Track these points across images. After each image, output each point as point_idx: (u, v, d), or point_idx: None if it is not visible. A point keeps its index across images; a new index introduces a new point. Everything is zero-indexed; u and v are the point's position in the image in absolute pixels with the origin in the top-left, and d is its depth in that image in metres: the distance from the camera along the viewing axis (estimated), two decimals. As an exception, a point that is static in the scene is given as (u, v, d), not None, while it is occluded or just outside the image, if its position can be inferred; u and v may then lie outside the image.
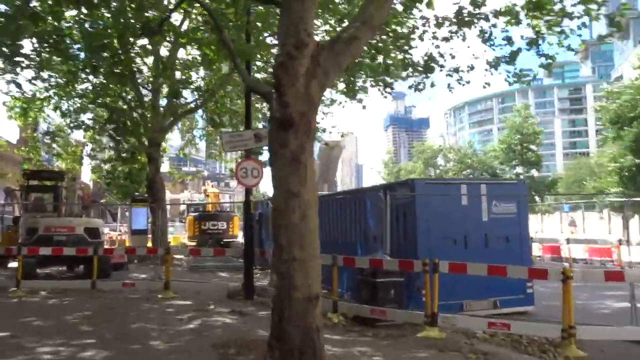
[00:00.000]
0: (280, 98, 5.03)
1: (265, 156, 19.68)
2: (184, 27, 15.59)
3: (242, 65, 6.95)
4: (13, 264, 14.95)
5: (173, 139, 30.68)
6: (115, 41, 10.64)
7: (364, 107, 18.70)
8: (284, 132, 5.11)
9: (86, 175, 38.98)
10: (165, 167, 31.67)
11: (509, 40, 10.76)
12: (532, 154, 48.38)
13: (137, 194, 33.87)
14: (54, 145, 23.73)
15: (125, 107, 18.38)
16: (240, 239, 28.20)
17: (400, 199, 9.99)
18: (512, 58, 10.84)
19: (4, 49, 12.71)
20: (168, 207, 27.27)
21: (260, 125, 19.87)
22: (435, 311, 7.77)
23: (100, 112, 21.57)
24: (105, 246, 27.91)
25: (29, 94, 20.88)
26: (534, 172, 47.02)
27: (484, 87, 11.50)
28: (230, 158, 27.55)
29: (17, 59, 14.16)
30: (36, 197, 17.54)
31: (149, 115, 19.39)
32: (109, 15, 11.14)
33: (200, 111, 24.10)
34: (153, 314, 9.45)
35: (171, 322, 8.66)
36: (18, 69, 16.10)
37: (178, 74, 19.44)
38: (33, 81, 18.03)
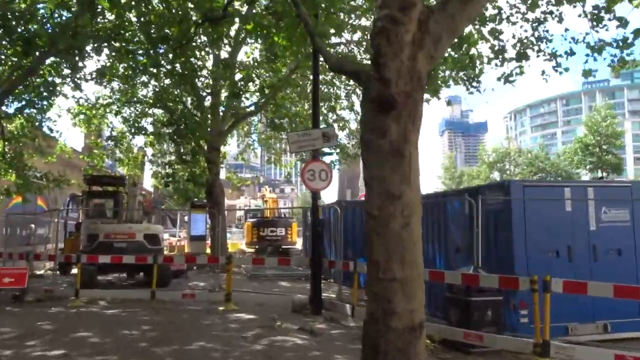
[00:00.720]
0: (379, 73, 3.97)
1: (323, 157, 19.04)
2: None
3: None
4: (75, 271, 14.62)
5: (230, 146, 30.40)
6: (175, 33, 9.98)
7: (448, 102, 17.30)
8: (383, 116, 4.03)
9: (148, 182, 39.35)
10: (222, 174, 31.39)
11: (620, 20, 9.24)
12: (613, 156, 44.93)
13: (196, 200, 33.91)
14: (116, 152, 23.73)
15: (184, 109, 17.88)
16: (299, 245, 27.43)
17: (491, 204, 8.69)
18: (625, 42, 9.29)
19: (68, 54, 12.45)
20: (226, 213, 26.82)
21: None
22: (546, 339, 6.47)
23: (160, 117, 21.32)
24: (165, 252, 28.15)
25: (92, 101, 20.94)
26: (614, 177, 43.62)
27: (585, 76, 9.97)
28: (287, 162, 26.80)
29: (80, 64, 13.98)
30: (97, 202, 17.28)
31: (209, 118, 18.84)
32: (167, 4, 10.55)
33: (259, 115, 23.53)
34: (215, 330, 8.58)
35: (235, 342, 7.75)
36: (81, 74, 16.06)
37: (238, 76, 18.87)
38: (95, 85, 17.98)
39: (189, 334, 8.27)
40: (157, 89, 17.20)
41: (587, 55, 9.87)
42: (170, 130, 16.69)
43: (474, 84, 12.65)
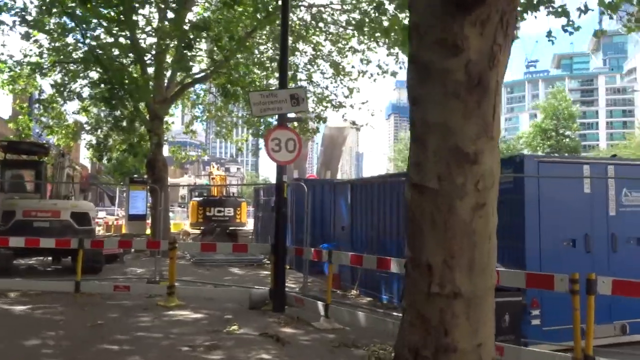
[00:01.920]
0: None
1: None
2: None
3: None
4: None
5: (174, 124, 27.90)
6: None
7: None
8: (458, 18, 2.31)
9: (85, 155, 36.18)
10: (166, 151, 28.94)
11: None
12: (570, 139, 45.30)
13: (135, 175, 31.20)
14: (46, 118, 20.91)
15: (122, 68, 15.48)
16: (250, 226, 25.60)
17: (501, 183, 7.19)
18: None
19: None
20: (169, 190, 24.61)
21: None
22: (590, 353, 5.03)
23: (95, 81, 18.77)
24: (101, 233, 25.60)
25: (18, 58, 18.22)
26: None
27: (597, 36, 8.63)
28: (240, 136, 24.68)
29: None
30: (15, 174, 14.73)
31: (152, 82, 16.53)
32: None
33: (208, 84, 21.29)
34: (153, 338, 6.71)
35: (178, 355, 5.94)
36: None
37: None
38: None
39: (118, 342, 6.37)
40: (92, 45, 14.71)
41: (602, 13, 8.51)
42: (104, 89, 14.25)
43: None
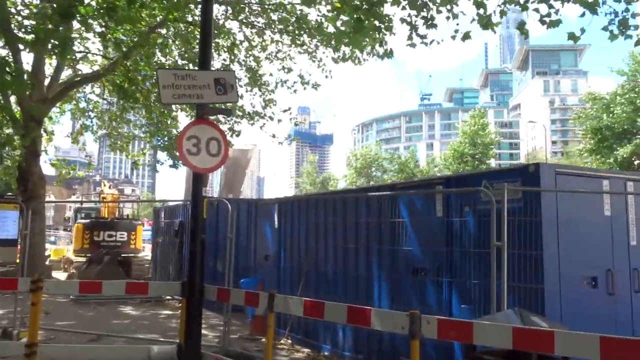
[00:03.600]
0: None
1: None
2: None
3: None
4: None
5: (60, 139, 23.97)
6: None
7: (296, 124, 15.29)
8: None
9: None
10: (49, 169, 24.90)
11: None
12: (486, 166, 45.94)
13: (9, 194, 26.55)
14: None
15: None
16: (147, 253, 22.34)
17: (495, 202, 5.28)
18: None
19: None
20: (49, 213, 20.88)
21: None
22: None
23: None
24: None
25: None
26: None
27: (572, 39, 7.23)
28: (138, 151, 21.44)
29: None
30: None
31: (28, 74, 13.29)
32: None
33: (101, 88, 18.14)
34: None
35: None
36: None
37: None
38: None
39: None
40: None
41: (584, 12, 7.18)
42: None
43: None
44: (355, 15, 6.55)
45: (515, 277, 5.07)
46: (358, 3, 6.72)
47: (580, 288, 5.36)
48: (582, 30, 7.53)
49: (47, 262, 23.25)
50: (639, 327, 5.62)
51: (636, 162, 29.14)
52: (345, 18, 7.00)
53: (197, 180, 6.50)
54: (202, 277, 6.32)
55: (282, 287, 9.15)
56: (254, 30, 16.18)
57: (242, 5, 15.12)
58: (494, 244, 4.89)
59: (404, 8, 6.91)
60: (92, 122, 19.93)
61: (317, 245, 8.24)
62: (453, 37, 7.72)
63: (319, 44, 14.93)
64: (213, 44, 15.79)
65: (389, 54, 13.20)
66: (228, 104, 7.31)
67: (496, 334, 3.73)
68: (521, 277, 5.10)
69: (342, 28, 7.07)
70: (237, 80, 6.66)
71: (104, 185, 27.35)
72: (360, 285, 7.08)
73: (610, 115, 30.55)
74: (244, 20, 15.30)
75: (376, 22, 7.06)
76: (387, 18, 7.35)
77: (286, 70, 16.95)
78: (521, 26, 7.78)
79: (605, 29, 7.74)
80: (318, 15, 13.71)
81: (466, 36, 7.69)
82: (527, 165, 5.36)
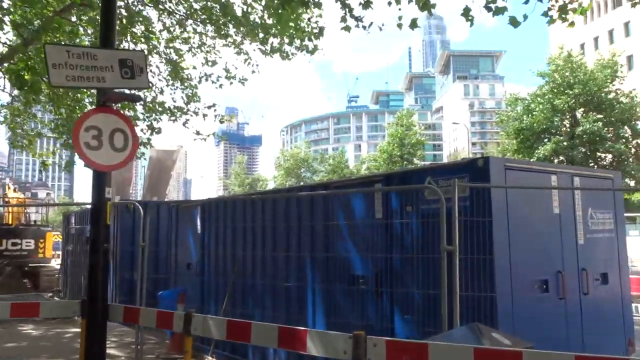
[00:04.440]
0: None
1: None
2: None
3: None
4: None
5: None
6: None
7: (221, 120, 15.67)
8: None
9: None
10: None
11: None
12: (413, 166, 46.26)
13: None
14: None
15: None
16: (55, 263, 20.54)
17: (435, 201, 4.72)
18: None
19: None
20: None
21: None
22: None
23: None
24: None
25: None
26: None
27: (512, 24, 6.95)
28: (46, 150, 19.52)
29: None
30: None
31: None
32: None
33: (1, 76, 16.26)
34: None
35: None
36: None
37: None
38: None
39: None
40: None
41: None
42: None
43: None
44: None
45: (464, 285, 4.52)
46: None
47: (532, 293, 4.92)
48: (525, 17, 7.29)
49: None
50: (588, 331, 5.28)
51: (555, 161, 30.38)
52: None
53: (99, 180, 5.50)
54: (104, 295, 5.35)
55: (205, 299, 8.27)
56: (174, 20, 15.02)
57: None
58: (445, 247, 4.32)
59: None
60: (-7, 119, 17.91)
61: (244, 253, 7.42)
62: (399, 26, 7.23)
63: (245, 36, 14.05)
64: (129, 34, 14.57)
65: (317, 49, 12.57)
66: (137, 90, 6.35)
67: (455, 356, 3.13)
68: (470, 285, 4.56)
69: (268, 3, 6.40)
70: (147, 65, 5.69)
71: (8, 189, 25.00)
72: (292, 298, 6.34)
73: (530, 115, 31.73)
74: (162, 7, 14.13)
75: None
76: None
77: (210, 63, 15.89)
78: (466, 12, 7.38)
79: (545, 14, 7.62)
80: (243, 4, 12.85)
81: (413, 24, 7.23)
82: (476, 160, 4.83)
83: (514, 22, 7.33)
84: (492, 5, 7.06)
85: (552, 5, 7.50)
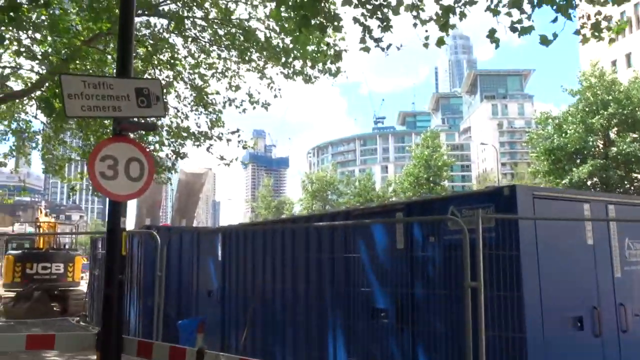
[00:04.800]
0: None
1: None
2: None
3: None
4: None
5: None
6: None
7: (244, 146, 15.61)
8: None
9: None
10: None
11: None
12: (440, 187, 45.54)
13: None
14: None
15: None
16: (83, 286, 20.68)
17: (457, 232, 4.47)
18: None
19: None
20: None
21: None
22: None
23: None
24: None
25: None
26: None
27: (543, 43, 6.70)
28: (77, 173, 19.89)
29: None
30: None
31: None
32: None
33: (34, 105, 16.69)
34: None
35: None
36: None
37: None
38: None
39: None
40: None
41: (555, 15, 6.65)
42: None
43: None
44: (301, 12, 5.76)
45: (491, 324, 4.25)
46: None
47: (565, 332, 4.60)
48: (555, 35, 7.03)
49: (-27, 297, 21.22)
50: (628, 372, 4.91)
51: (589, 183, 29.40)
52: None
53: (115, 210, 5.42)
54: (119, 327, 5.23)
55: (226, 329, 8.10)
56: (199, 47, 15.21)
57: (185, 19, 14.15)
58: (469, 284, 4.07)
59: (356, 6, 6.16)
60: (25, 143, 18.36)
61: (264, 282, 7.25)
62: (426, 45, 7.07)
63: (267, 60, 14.11)
64: (155, 60, 14.77)
65: (339, 71, 12.51)
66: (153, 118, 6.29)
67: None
68: (498, 324, 4.27)
69: (286, 25, 6.37)
70: (163, 93, 5.62)
71: (40, 213, 25.46)
72: (312, 332, 6.12)
73: (563, 135, 30.86)
74: (186, 34, 14.31)
75: (323, 21, 6.29)
76: (334, 15, 6.59)
77: (234, 88, 15.99)
78: (491, 34, 7.19)
79: (577, 32, 7.36)
80: (266, 28, 12.93)
81: (440, 42, 7.06)
82: (501, 188, 4.59)
83: (544, 41, 7.08)
84: (518, 26, 6.84)
85: (584, 24, 7.23)
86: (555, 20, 6.95)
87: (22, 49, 12.33)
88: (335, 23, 6.64)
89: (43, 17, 12.14)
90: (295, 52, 12.53)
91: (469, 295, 4.11)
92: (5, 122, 17.66)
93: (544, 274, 4.46)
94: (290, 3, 6.01)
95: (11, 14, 7.49)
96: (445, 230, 4.83)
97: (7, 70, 14.60)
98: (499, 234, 4.47)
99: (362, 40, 6.72)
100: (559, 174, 31.01)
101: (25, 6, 9.13)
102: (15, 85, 15.62)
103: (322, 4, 6.04)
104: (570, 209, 4.94)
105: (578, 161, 31.06)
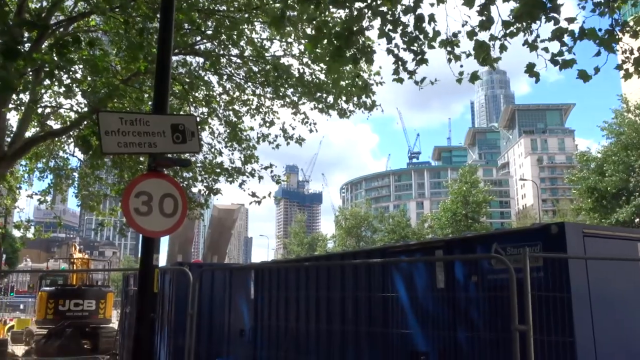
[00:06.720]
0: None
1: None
2: None
3: None
4: None
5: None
6: None
7: (277, 181, 15.42)
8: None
9: None
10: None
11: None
12: (479, 225, 44.41)
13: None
14: None
15: None
16: (114, 323, 20.67)
17: (502, 271, 4.18)
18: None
19: None
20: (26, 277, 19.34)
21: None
22: None
23: None
24: None
25: None
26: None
27: (582, 78, 6.47)
28: (108, 209, 20.17)
29: None
30: None
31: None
32: None
33: (72, 143, 17.12)
34: None
35: None
36: None
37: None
38: None
39: None
40: None
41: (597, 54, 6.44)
42: None
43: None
44: (335, 43, 5.72)
45: None
46: (338, 30, 5.90)
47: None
48: (597, 70, 6.75)
49: (8, 334, 21.46)
50: None
51: (637, 220, 28.35)
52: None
53: (148, 246, 5.36)
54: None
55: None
56: (233, 84, 15.42)
57: (221, 58, 14.40)
58: (516, 327, 3.78)
59: (392, 39, 6.08)
60: (61, 180, 18.78)
61: (297, 322, 7.02)
62: (459, 81, 6.92)
63: (301, 95, 14.17)
64: (191, 98, 15.01)
65: (374, 105, 12.46)
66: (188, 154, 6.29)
67: None
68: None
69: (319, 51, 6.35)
70: (198, 129, 5.59)
71: (74, 249, 25.83)
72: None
73: (603, 177, 30.04)
74: (221, 72, 14.54)
75: (357, 53, 6.23)
76: (369, 48, 6.51)
77: (268, 124, 16.06)
78: (530, 68, 7.00)
79: (619, 67, 7.05)
80: (300, 64, 13.03)
81: (474, 77, 6.89)
82: (549, 225, 4.32)
83: (584, 76, 6.78)
84: (559, 59, 6.62)
85: (627, 58, 6.96)
86: (598, 54, 6.70)
87: (63, 89, 12.72)
88: (368, 55, 6.57)
89: (84, 57, 12.51)
90: (328, 85, 12.60)
91: (517, 340, 3.82)
92: (44, 160, 18.16)
93: (597, 318, 4.13)
94: (324, 33, 5.99)
95: (63, 50, 7.71)
96: (489, 269, 4.57)
97: (48, 110, 15.06)
98: (548, 274, 4.19)
99: (396, 72, 6.64)
100: (604, 212, 30.02)
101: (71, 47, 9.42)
102: (55, 124, 16.06)
103: (357, 36, 6.00)
104: (623, 248, 4.62)
105: (623, 199, 30.07)
